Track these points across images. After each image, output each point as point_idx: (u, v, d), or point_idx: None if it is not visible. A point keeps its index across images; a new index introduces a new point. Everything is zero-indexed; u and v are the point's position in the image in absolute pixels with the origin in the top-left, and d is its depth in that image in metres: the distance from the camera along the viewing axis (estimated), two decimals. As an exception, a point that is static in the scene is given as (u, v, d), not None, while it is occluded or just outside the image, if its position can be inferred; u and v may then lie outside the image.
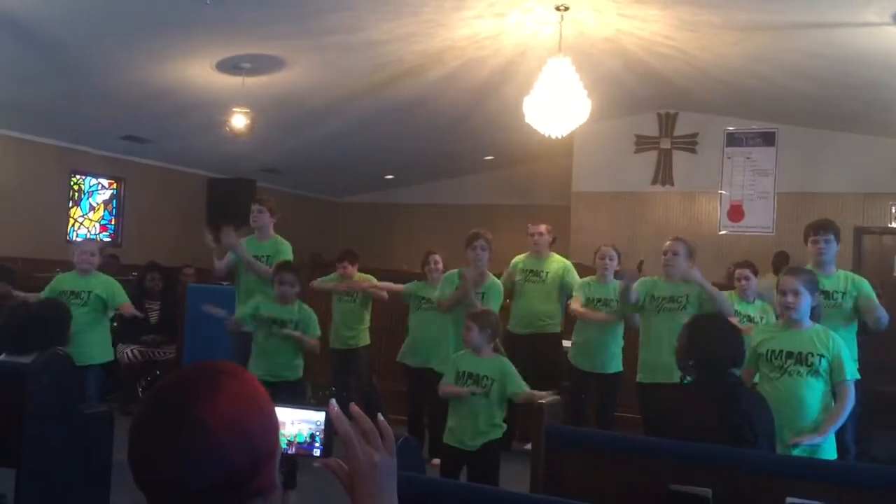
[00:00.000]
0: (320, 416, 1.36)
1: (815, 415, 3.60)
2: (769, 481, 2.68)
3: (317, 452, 1.37)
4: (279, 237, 5.95)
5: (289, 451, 1.30)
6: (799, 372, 3.62)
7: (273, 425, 1.04)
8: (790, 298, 3.66)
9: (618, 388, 5.64)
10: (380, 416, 1.22)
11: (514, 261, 6.19)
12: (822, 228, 4.69)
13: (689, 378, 3.40)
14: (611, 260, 5.71)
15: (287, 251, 5.83)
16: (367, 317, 6.47)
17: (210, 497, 0.98)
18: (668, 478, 2.72)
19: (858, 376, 3.78)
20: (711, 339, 3.29)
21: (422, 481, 2.19)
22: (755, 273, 5.40)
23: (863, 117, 8.76)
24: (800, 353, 3.64)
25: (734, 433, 3.00)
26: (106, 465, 3.75)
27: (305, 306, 5.19)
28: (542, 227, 6.16)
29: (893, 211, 9.54)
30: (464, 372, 4.23)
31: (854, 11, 5.68)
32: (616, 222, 10.18)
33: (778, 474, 2.73)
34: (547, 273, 6.04)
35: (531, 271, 6.04)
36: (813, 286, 3.74)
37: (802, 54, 6.86)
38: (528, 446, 4.33)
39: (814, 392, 3.61)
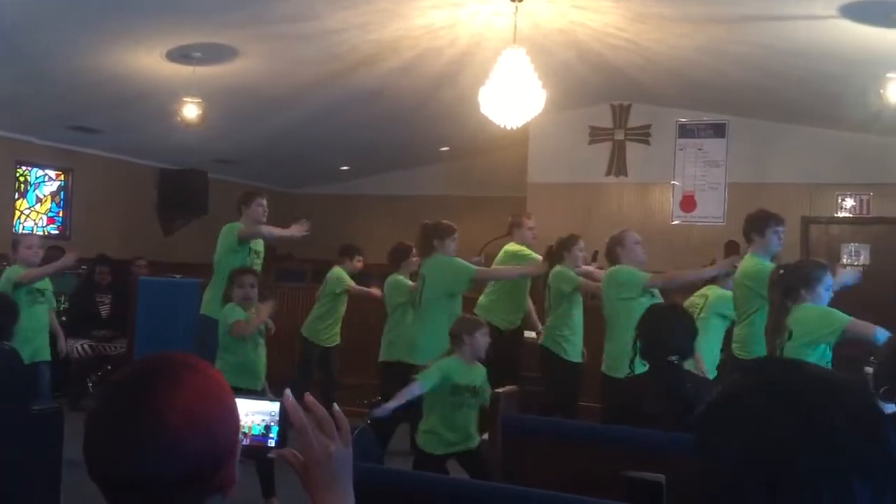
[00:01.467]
0: (275, 407, 1.34)
1: None
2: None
3: (272, 443, 1.36)
4: None
5: (244, 443, 1.27)
6: None
7: (235, 420, 1.02)
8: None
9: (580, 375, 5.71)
10: (335, 407, 1.22)
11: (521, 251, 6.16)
12: (783, 220, 4.89)
13: (640, 368, 3.45)
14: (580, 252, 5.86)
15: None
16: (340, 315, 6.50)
17: (170, 493, 0.95)
18: (623, 465, 2.75)
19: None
20: (655, 328, 3.36)
21: (379, 472, 2.19)
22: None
23: (810, 110, 8.94)
24: None
25: (678, 420, 3.04)
26: (56, 462, 3.68)
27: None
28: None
29: (839, 201, 9.77)
30: (462, 386, 4.18)
31: (802, 4, 5.79)
32: (571, 213, 10.24)
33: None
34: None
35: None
36: None
37: (752, 46, 6.97)
38: (486, 436, 4.36)
39: None
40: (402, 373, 5.60)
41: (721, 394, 0.99)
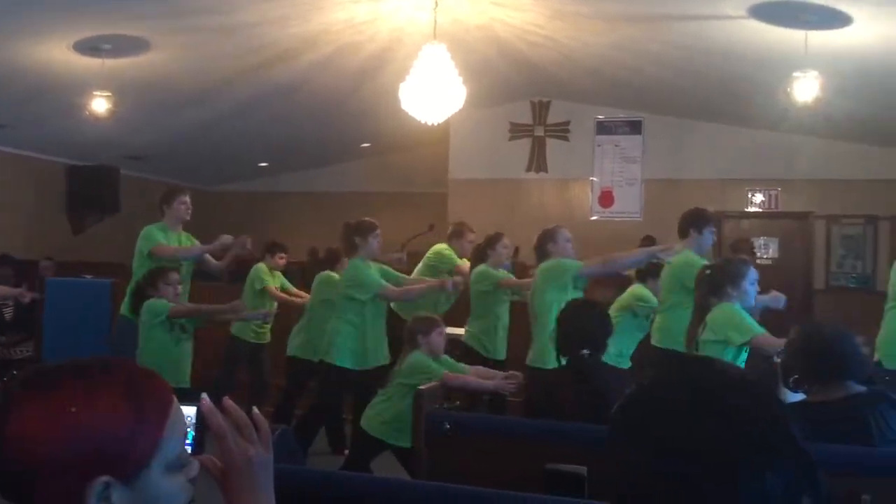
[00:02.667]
0: (191, 411, 1.29)
1: None
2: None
3: (188, 449, 1.30)
4: None
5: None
6: None
7: (80, 449, 0.95)
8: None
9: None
10: (254, 410, 1.17)
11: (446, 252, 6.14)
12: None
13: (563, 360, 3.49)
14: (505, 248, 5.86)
15: None
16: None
17: None
18: (546, 458, 2.77)
19: None
20: (570, 322, 3.41)
21: (300, 473, 2.14)
22: None
23: (723, 107, 9.23)
24: None
25: (594, 413, 3.07)
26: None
27: None
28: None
29: (750, 196, 10.12)
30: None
31: (713, 4, 5.96)
32: (492, 209, 10.30)
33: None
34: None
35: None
36: None
37: (667, 45, 7.14)
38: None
39: None
40: (310, 372, 5.53)
41: (633, 390, 0.99)
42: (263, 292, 6.26)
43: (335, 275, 5.78)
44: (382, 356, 5.10)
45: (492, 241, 5.79)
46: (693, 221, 5.11)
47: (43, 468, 0.94)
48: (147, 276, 4.81)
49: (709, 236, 5.10)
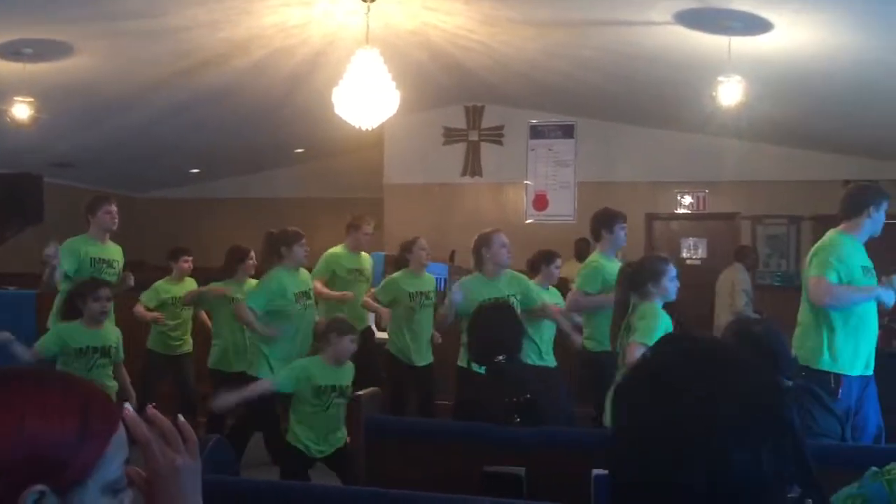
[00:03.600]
0: None
1: None
2: (575, 456, 2.81)
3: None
4: None
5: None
6: None
7: (14, 439, 0.93)
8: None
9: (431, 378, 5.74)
10: (180, 418, 1.15)
11: (333, 254, 6.09)
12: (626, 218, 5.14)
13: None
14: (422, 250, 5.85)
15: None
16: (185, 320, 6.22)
17: None
18: (484, 461, 2.79)
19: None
20: (478, 328, 3.42)
21: (234, 482, 2.11)
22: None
23: (652, 111, 9.43)
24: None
25: (518, 413, 3.09)
26: None
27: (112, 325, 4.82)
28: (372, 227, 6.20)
29: (679, 198, 10.36)
30: (326, 387, 4.17)
31: (640, 11, 6.08)
32: (428, 213, 10.34)
33: (582, 449, 2.87)
34: (367, 269, 6.12)
35: (357, 270, 6.03)
36: None
37: (596, 50, 7.26)
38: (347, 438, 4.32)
39: None
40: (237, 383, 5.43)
41: (642, 364, 1.03)
42: (169, 301, 6.15)
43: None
44: None
45: (408, 245, 5.80)
46: (603, 222, 5.21)
47: None
48: (78, 287, 4.68)
49: (620, 233, 5.19)
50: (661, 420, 0.95)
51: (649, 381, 1.00)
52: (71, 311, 4.59)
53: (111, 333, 4.67)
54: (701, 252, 10.32)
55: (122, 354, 4.71)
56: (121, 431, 1.02)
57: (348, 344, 4.26)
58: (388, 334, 5.79)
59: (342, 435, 4.27)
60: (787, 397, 1.02)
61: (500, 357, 3.25)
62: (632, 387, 1.02)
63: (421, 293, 5.67)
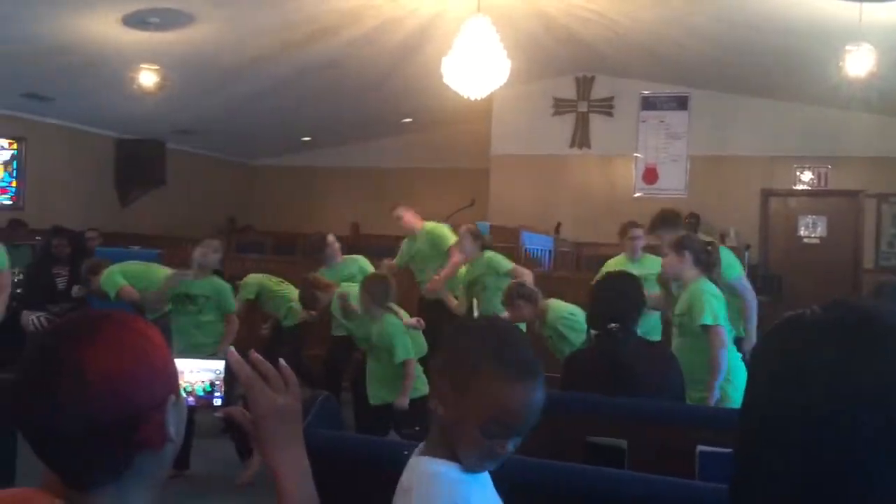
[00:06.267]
0: (220, 365, 1.32)
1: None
2: (680, 431, 2.76)
3: (217, 402, 1.34)
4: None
5: (189, 402, 1.26)
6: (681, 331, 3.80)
7: (160, 375, 1.00)
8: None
9: None
10: (281, 361, 1.20)
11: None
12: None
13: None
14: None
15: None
16: None
17: (86, 447, 0.95)
18: (586, 431, 2.77)
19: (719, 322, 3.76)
20: (596, 295, 3.38)
21: (340, 438, 2.18)
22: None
23: (771, 83, 9.03)
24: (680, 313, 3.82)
25: (623, 385, 3.04)
26: (10, 437, 3.60)
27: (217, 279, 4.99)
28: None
29: (798, 174, 9.92)
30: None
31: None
32: (534, 185, 10.27)
33: (688, 424, 2.82)
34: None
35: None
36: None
37: (713, 19, 7.00)
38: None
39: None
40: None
41: (785, 319, 0.94)
42: None
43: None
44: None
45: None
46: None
47: (143, 407, 0.98)
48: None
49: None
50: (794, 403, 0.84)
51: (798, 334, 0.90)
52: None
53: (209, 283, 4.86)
54: (820, 230, 9.86)
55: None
56: None
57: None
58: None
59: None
60: None
61: (614, 325, 3.21)
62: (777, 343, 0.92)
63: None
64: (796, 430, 0.86)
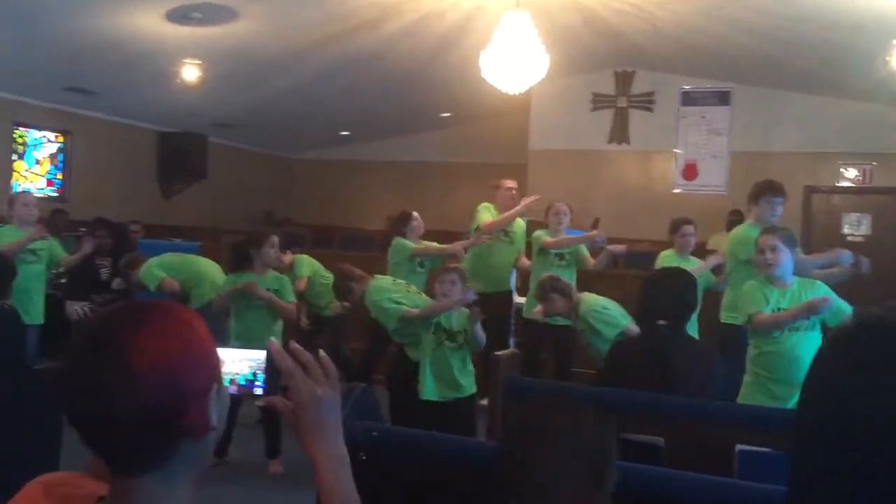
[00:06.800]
0: (261, 354, 1.35)
1: None
2: (718, 430, 2.74)
3: (258, 391, 1.37)
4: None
5: (231, 390, 1.29)
6: (797, 328, 3.62)
7: (204, 363, 1.03)
8: (769, 255, 3.69)
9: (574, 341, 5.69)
10: (321, 352, 1.22)
11: (486, 206, 6.19)
12: (781, 191, 4.83)
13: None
14: (564, 216, 5.86)
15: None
16: None
17: (131, 433, 0.97)
18: (621, 427, 2.76)
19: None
20: (645, 293, 3.34)
21: (378, 429, 2.19)
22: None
23: (814, 77, 8.87)
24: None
25: (662, 384, 3.01)
26: (56, 423, 3.68)
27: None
28: (515, 183, 6.27)
29: (842, 170, 9.73)
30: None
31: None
32: (572, 180, 10.20)
33: (725, 423, 2.79)
34: (515, 233, 6.16)
35: (503, 230, 6.10)
36: (792, 242, 3.80)
37: (755, 12, 6.89)
38: (485, 401, 4.37)
39: (814, 346, 3.61)
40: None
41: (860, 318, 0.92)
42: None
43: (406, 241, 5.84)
44: None
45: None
46: (750, 195, 5.02)
47: (187, 395, 1.00)
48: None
49: (766, 207, 4.88)
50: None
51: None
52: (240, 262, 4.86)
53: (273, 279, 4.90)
54: (864, 228, 9.67)
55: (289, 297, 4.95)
56: None
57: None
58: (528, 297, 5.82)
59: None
60: None
61: (662, 322, 3.19)
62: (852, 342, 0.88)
63: (554, 254, 5.82)
64: (861, 434, 0.82)
